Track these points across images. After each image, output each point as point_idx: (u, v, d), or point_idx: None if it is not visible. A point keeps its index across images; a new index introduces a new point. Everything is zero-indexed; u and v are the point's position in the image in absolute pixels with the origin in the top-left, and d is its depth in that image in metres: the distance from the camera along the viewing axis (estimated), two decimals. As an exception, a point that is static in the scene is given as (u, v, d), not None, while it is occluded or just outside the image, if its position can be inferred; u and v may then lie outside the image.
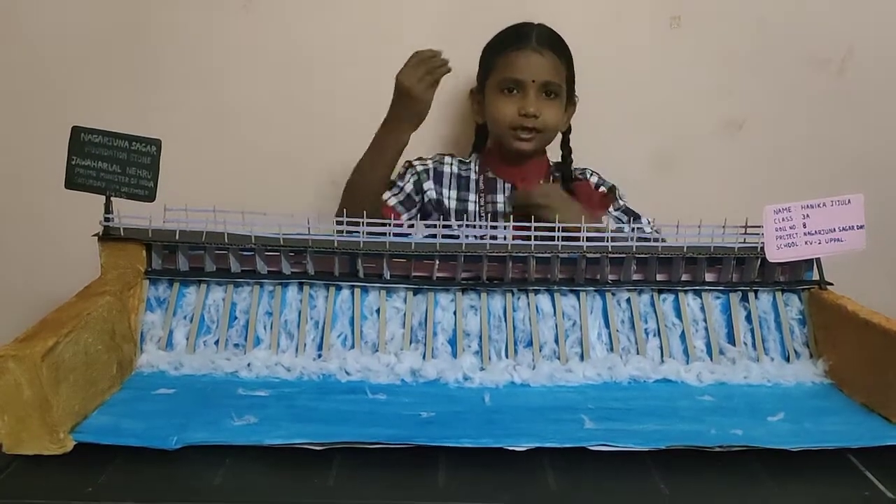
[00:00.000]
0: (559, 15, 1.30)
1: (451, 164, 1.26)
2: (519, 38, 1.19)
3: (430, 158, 1.26)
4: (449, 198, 1.24)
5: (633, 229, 0.88)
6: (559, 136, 1.27)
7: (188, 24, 1.34)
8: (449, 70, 1.09)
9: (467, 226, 0.86)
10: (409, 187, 1.23)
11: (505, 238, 0.87)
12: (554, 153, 1.29)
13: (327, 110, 1.35)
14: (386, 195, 1.20)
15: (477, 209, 1.23)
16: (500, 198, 1.24)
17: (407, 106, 1.10)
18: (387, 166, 1.15)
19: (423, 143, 1.35)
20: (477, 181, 1.24)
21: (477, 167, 1.26)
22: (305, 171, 1.34)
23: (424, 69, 1.08)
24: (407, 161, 1.24)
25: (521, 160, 1.23)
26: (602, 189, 1.24)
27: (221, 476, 0.64)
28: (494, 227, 0.89)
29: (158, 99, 1.34)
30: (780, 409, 0.76)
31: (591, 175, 1.27)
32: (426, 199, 1.23)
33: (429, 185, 1.24)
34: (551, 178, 1.26)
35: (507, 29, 1.21)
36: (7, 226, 1.38)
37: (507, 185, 1.24)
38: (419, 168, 1.24)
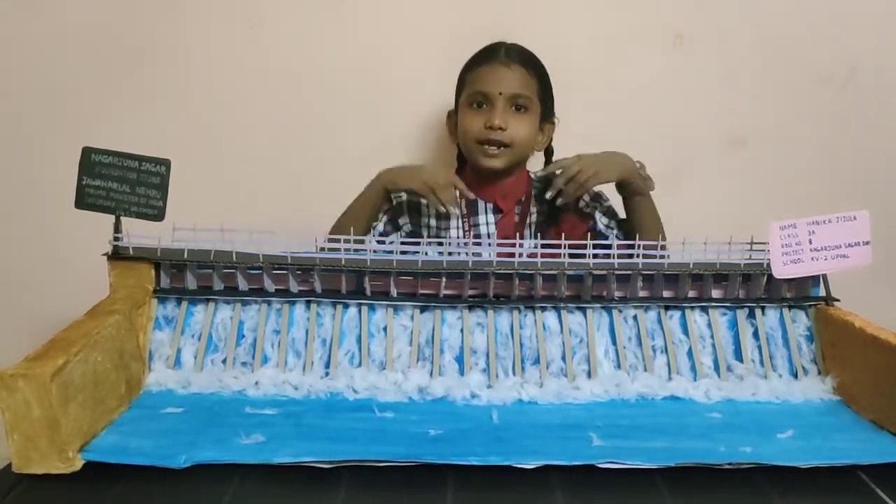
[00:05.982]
0: (563, 34, 1.31)
1: None
2: (488, 53, 1.19)
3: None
4: (429, 226, 1.21)
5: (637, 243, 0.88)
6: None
7: (196, 43, 1.35)
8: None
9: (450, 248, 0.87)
10: (386, 227, 1.20)
11: (490, 255, 0.87)
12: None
13: (335, 129, 1.36)
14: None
15: (460, 234, 1.20)
16: (482, 219, 1.21)
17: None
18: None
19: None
20: (458, 205, 1.19)
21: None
22: (313, 190, 1.34)
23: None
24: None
25: (498, 178, 1.20)
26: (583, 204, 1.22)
27: (230, 495, 0.64)
28: (478, 245, 0.88)
29: (168, 119, 1.36)
30: (788, 425, 0.76)
31: None
32: (403, 234, 1.21)
33: (404, 219, 1.21)
34: (533, 197, 1.22)
35: (481, 49, 1.20)
36: (17, 245, 1.39)
37: (489, 206, 1.21)
38: (394, 203, 1.20)
